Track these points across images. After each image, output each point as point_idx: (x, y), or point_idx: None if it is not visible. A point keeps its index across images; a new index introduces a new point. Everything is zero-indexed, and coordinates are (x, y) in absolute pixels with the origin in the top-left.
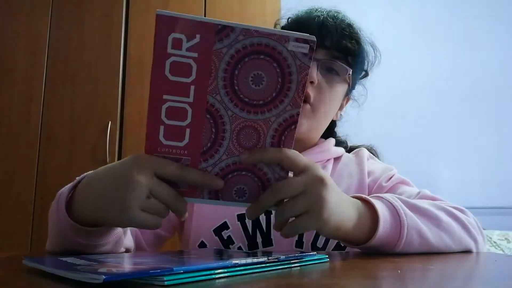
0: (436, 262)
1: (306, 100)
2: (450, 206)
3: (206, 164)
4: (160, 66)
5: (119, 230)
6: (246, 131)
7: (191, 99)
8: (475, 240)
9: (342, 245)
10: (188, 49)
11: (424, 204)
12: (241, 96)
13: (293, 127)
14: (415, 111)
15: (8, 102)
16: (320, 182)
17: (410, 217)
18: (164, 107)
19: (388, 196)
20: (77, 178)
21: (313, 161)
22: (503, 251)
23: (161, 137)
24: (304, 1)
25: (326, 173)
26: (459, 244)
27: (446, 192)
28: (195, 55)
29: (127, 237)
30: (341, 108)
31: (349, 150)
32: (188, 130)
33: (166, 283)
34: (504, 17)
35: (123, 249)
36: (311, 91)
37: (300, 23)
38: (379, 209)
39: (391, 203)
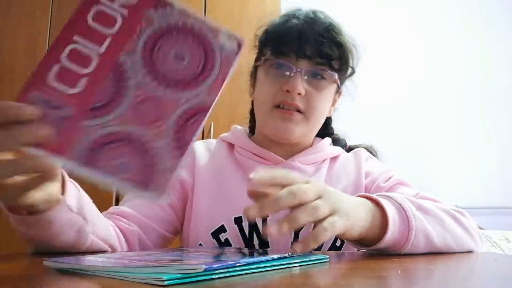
0: (436, 262)
1: (297, 110)
2: (451, 208)
3: (91, 122)
4: (85, 8)
5: (71, 216)
6: (149, 105)
7: (101, 50)
8: (476, 242)
9: (337, 245)
10: (121, 5)
11: (428, 204)
12: (157, 66)
13: (202, 114)
14: (416, 110)
15: None
16: (329, 189)
17: (418, 219)
18: (69, 47)
19: (396, 196)
20: None
21: (307, 162)
22: (503, 251)
23: (50, 76)
24: (303, 1)
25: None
26: (461, 245)
27: (447, 192)
28: (125, 12)
29: (106, 232)
30: (333, 103)
31: (348, 149)
32: (85, 80)
33: (165, 283)
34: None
35: (106, 246)
36: (299, 102)
37: (279, 35)
38: (389, 211)
39: (400, 205)
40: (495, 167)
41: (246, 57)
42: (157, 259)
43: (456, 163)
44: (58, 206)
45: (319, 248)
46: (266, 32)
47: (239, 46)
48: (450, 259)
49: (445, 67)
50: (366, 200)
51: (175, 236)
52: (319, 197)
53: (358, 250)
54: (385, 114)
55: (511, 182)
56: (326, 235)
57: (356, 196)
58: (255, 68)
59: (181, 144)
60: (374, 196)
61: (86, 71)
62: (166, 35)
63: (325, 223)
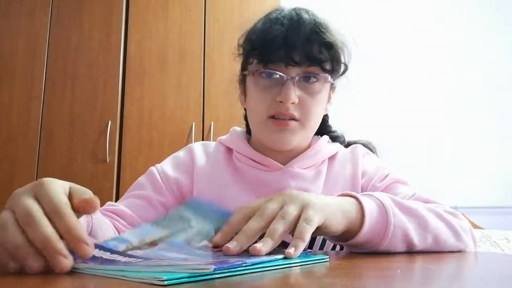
0: (436, 262)
1: (293, 118)
2: (443, 210)
3: None
4: None
5: None
6: None
7: None
8: (465, 244)
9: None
10: None
11: (415, 205)
12: None
13: None
14: (416, 109)
15: (8, 102)
16: (292, 194)
17: (398, 217)
18: None
19: (379, 194)
20: None
21: (306, 166)
22: (503, 251)
23: None
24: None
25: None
26: (444, 247)
27: (447, 192)
28: None
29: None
30: (329, 100)
31: (347, 145)
32: None
33: (165, 282)
34: (507, 18)
35: None
36: (294, 111)
37: (264, 43)
38: (366, 207)
39: (380, 201)
40: (495, 167)
41: (240, 61)
42: (160, 255)
43: (456, 163)
44: None
45: (321, 248)
46: (250, 40)
47: None
48: (451, 258)
49: (445, 66)
50: (345, 196)
51: None
52: (283, 205)
53: (337, 247)
54: (385, 113)
55: (511, 182)
56: (308, 229)
57: (337, 195)
58: (243, 76)
59: None
60: (353, 193)
61: None
62: None
63: (302, 220)
